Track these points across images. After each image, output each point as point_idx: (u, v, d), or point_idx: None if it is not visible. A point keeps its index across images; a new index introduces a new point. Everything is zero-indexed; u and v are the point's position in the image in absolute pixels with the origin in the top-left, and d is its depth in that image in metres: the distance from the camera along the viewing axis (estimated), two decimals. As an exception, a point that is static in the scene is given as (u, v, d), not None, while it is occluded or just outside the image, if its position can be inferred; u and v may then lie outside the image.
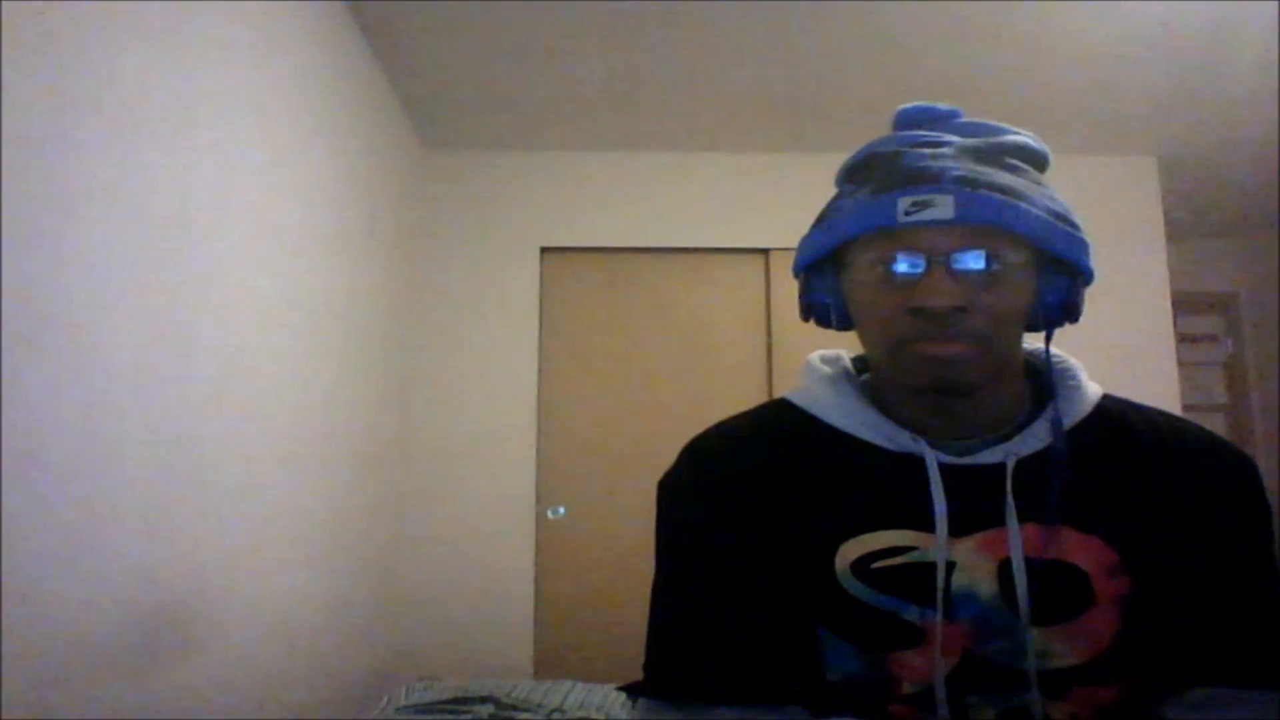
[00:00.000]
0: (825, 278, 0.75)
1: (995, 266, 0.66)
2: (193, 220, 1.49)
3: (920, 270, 0.66)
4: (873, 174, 0.71)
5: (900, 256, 0.66)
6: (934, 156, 0.68)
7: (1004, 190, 0.66)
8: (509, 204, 3.30)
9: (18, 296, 1.05)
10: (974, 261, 0.65)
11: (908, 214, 0.65)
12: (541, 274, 3.29)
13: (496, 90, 2.82)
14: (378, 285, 2.68)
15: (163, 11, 1.38)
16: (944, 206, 0.64)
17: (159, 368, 1.38)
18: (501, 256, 3.27)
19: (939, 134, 0.72)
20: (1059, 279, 0.71)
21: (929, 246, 0.66)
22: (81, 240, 1.17)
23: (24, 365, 1.06)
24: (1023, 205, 0.66)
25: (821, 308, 0.77)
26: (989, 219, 0.64)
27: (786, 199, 3.29)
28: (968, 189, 0.65)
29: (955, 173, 0.66)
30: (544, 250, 3.30)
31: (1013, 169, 0.69)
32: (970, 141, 0.70)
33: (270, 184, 1.83)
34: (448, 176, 3.30)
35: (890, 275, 0.67)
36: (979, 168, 0.67)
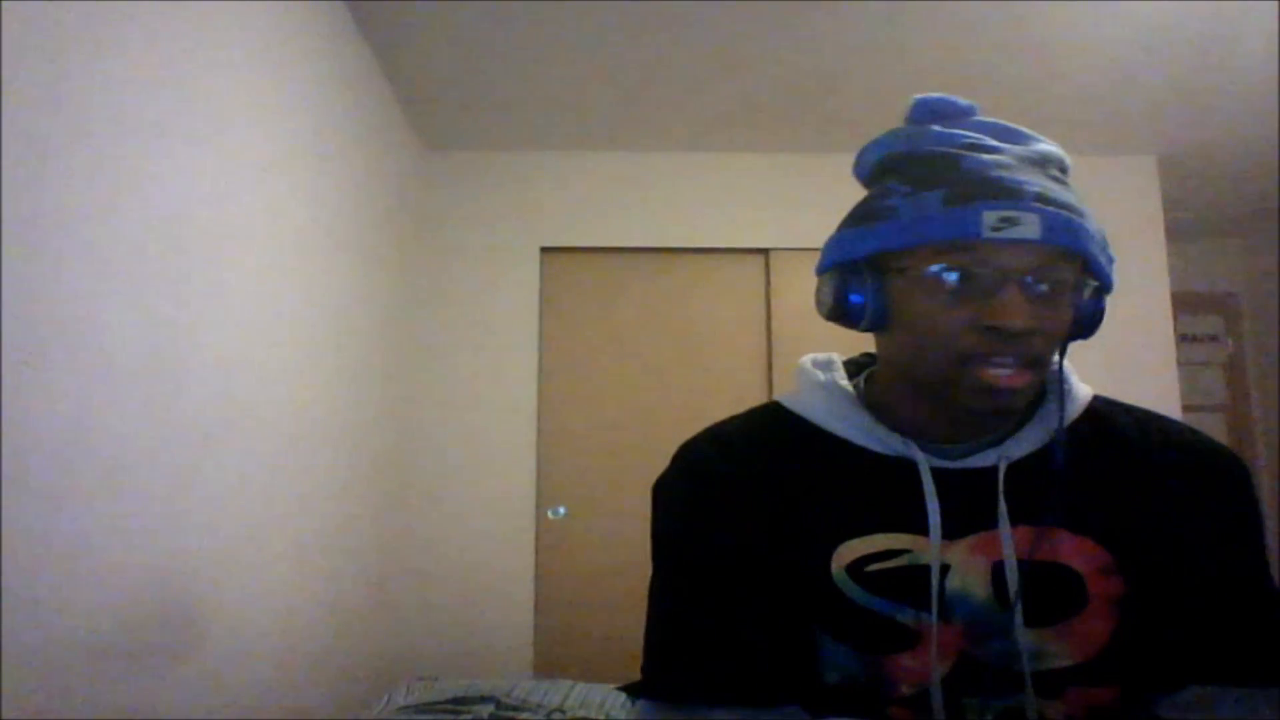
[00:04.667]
0: (863, 277, 0.72)
1: (1058, 286, 0.66)
2: (193, 221, 1.49)
3: (996, 287, 0.65)
4: (933, 176, 0.68)
5: (979, 271, 0.65)
6: (1000, 167, 0.67)
7: (1074, 210, 0.66)
8: (509, 204, 3.31)
9: (19, 298, 1.05)
10: (1046, 282, 0.65)
11: (995, 229, 0.64)
12: (541, 274, 3.29)
13: (496, 90, 2.82)
14: (378, 285, 2.68)
15: (162, 13, 1.38)
16: (1030, 225, 0.63)
17: (159, 368, 1.38)
18: (501, 256, 3.27)
19: (979, 136, 0.70)
20: (1089, 292, 0.71)
21: (1010, 264, 0.64)
22: (82, 242, 1.17)
23: (24, 366, 1.06)
24: (1090, 227, 0.66)
25: (853, 307, 0.73)
26: (1067, 241, 0.64)
27: (786, 199, 3.30)
28: (1048, 207, 0.64)
29: (1033, 188, 0.65)
30: (544, 250, 3.31)
31: (1063, 183, 0.69)
32: (1020, 150, 0.69)
33: (270, 185, 1.83)
34: (448, 177, 3.31)
35: (964, 289, 0.66)
36: (1045, 183, 0.67)
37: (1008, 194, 0.65)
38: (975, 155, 0.68)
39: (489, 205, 3.30)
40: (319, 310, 2.13)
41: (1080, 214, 0.66)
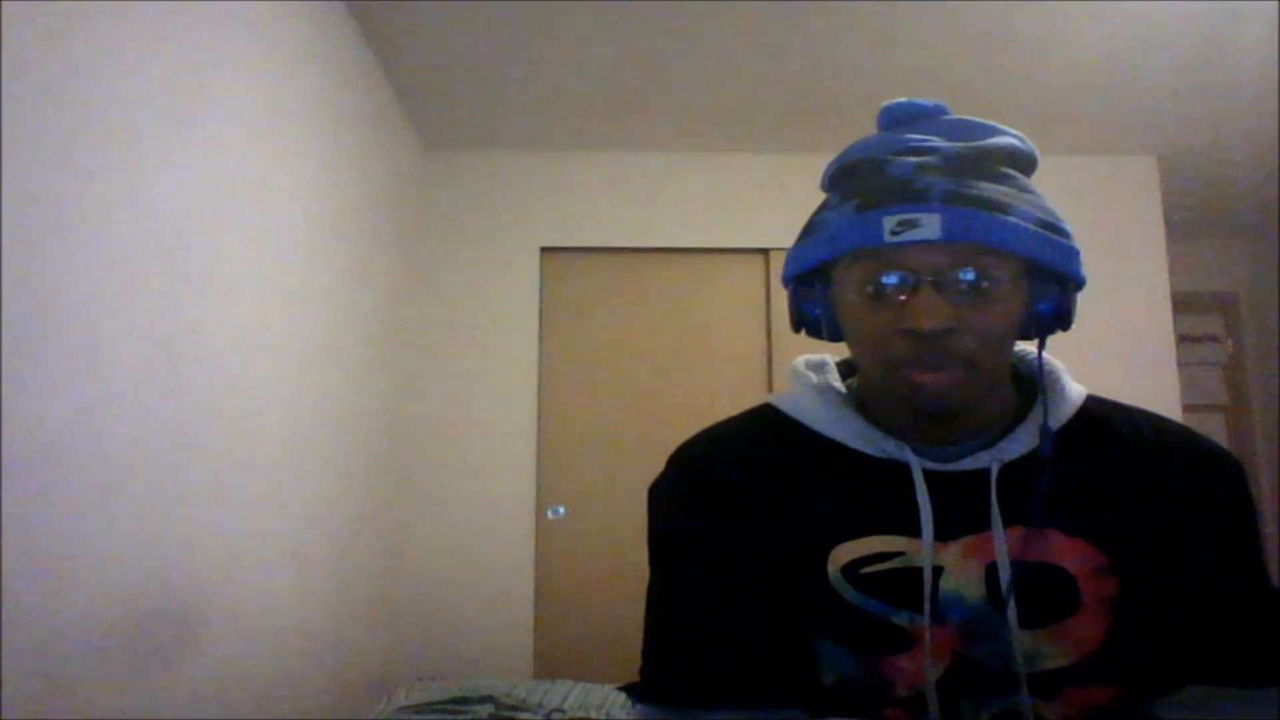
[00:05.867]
0: (814, 290, 0.75)
1: (984, 283, 0.65)
2: (192, 221, 1.49)
3: (908, 290, 0.65)
4: (858, 185, 0.70)
5: (887, 277, 0.66)
6: (920, 169, 0.67)
7: (991, 204, 0.65)
8: (509, 204, 3.31)
9: (19, 298, 1.05)
10: (962, 280, 0.65)
11: (894, 233, 0.64)
12: (541, 274, 3.29)
13: (496, 90, 2.82)
14: (378, 286, 2.68)
15: (162, 13, 1.39)
16: (930, 226, 0.64)
17: (160, 368, 1.38)
18: (501, 256, 3.27)
19: (926, 137, 0.70)
20: (1050, 286, 0.71)
21: (916, 266, 0.65)
22: (82, 242, 1.18)
23: (24, 365, 1.06)
24: (1010, 219, 0.65)
25: (812, 319, 0.76)
26: (976, 237, 0.64)
27: (786, 199, 3.28)
28: (954, 206, 0.64)
29: (941, 188, 0.65)
30: (544, 250, 3.31)
31: (1000, 177, 0.68)
32: (957, 148, 0.69)
33: (270, 185, 1.83)
34: (448, 177, 3.31)
35: (878, 295, 0.67)
36: (966, 180, 0.66)
37: (912, 197, 0.65)
38: (903, 160, 0.68)
39: (488, 205, 3.30)
40: (318, 309, 2.13)
41: (1001, 207, 0.65)
